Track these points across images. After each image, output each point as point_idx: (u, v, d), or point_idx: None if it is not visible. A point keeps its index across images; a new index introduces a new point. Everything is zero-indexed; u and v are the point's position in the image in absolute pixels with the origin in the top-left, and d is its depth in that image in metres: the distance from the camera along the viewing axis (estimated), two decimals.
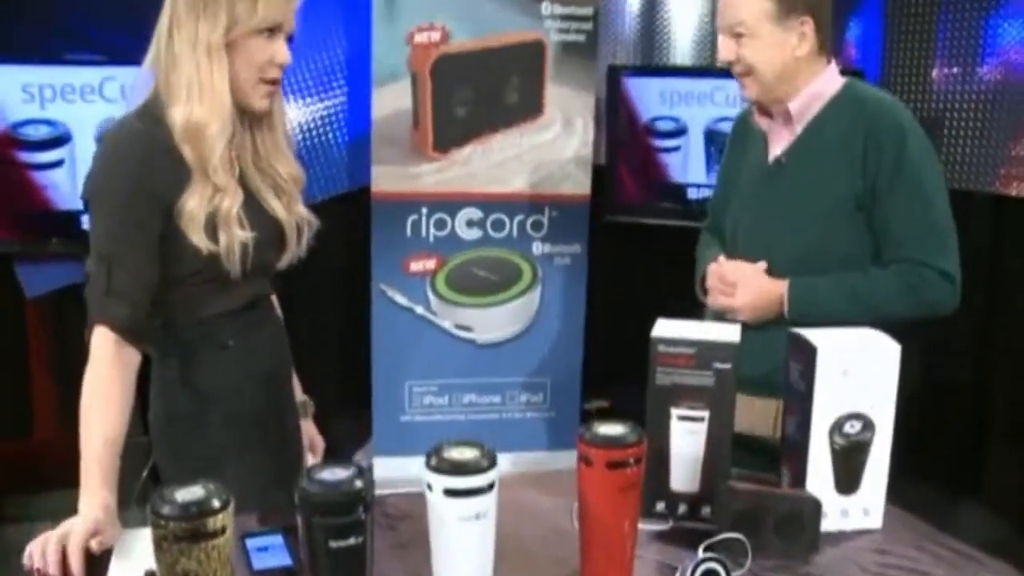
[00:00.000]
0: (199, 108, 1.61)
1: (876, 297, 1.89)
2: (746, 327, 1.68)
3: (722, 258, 2.05)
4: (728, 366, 1.51)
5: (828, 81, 1.98)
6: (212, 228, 1.63)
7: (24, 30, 3.15)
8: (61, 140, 3.12)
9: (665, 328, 1.56)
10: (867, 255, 1.94)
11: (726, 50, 1.97)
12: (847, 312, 1.85)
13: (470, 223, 3.35)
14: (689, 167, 3.72)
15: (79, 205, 3.06)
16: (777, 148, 2.02)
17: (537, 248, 3.40)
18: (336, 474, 1.19)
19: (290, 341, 1.96)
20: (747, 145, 2.13)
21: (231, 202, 1.64)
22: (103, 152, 1.65)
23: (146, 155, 1.61)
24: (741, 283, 1.97)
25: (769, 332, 1.87)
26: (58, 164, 3.12)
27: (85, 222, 3.06)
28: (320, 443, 2.08)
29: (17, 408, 3.35)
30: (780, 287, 1.94)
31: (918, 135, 1.90)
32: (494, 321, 3.41)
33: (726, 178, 2.23)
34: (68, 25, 3.22)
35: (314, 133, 3.79)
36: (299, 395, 2.03)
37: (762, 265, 1.98)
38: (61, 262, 3.24)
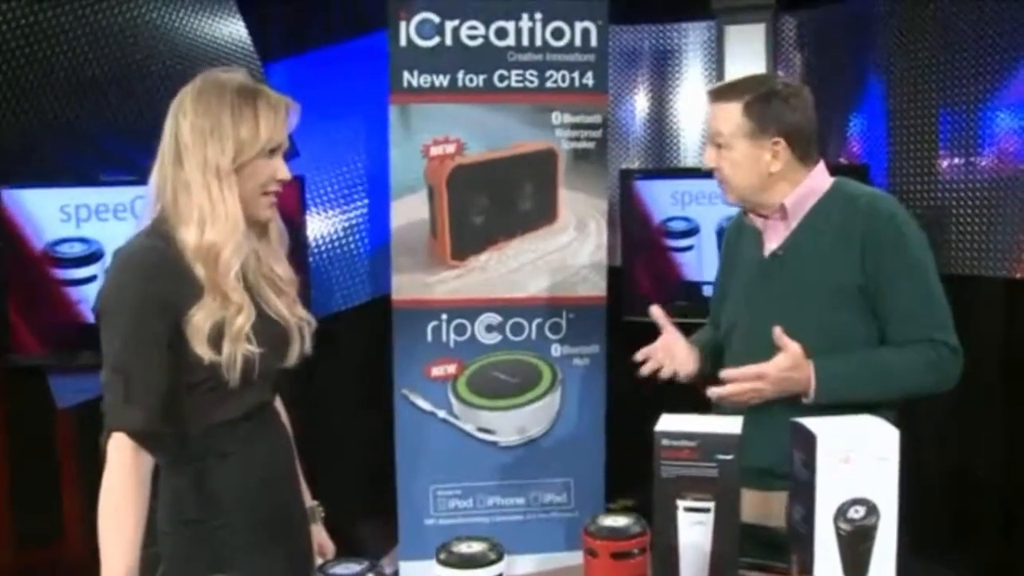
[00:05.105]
0: (212, 231, 1.68)
1: (902, 374, 1.98)
2: (748, 421, 1.71)
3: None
4: (731, 457, 1.54)
5: (819, 179, 2.09)
6: (216, 339, 1.68)
7: (61, 154, 3.30)
8: (94, 257, 3.24)
9: (668, 422, 1.60)
10: (871, 338, 2.02)
11: (708, 156, 2.11)
12: (873, 390, 1.94)
13: (489, 328, 3.41)
14: (703, 265, 3.77)
15: None
16: (773, 243, 2.11)
17: (556, 350, 3.45)
18: (349, 568, 1.23)
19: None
20: (741, 245, 2.22)
21: (244, 319, 1.70)
22: (115, 268, 1.72)
23: (155, 269, 1.68)
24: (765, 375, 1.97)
25: (771, 425, 1.89)
26: (91, 280, 3.23)
27: None
28: (330, 547, 2.08)
29: (47, 516, 3.40)
30: (807, 370, 1.94)
31: (911, 224, 2.02)
32: (516, 423, 3.44)
33: (723, 278, 2.32)
34: (102, 147, 3.37)
35: (336, 244, 3.89)
36: (308, 500, 2.04)
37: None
38: (91, 374, 3.32)
